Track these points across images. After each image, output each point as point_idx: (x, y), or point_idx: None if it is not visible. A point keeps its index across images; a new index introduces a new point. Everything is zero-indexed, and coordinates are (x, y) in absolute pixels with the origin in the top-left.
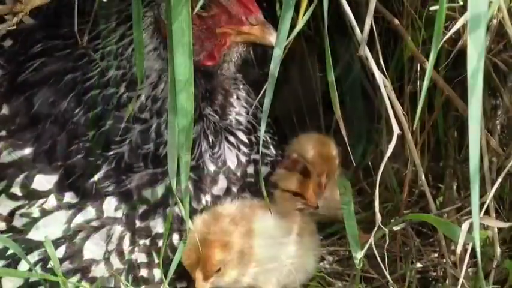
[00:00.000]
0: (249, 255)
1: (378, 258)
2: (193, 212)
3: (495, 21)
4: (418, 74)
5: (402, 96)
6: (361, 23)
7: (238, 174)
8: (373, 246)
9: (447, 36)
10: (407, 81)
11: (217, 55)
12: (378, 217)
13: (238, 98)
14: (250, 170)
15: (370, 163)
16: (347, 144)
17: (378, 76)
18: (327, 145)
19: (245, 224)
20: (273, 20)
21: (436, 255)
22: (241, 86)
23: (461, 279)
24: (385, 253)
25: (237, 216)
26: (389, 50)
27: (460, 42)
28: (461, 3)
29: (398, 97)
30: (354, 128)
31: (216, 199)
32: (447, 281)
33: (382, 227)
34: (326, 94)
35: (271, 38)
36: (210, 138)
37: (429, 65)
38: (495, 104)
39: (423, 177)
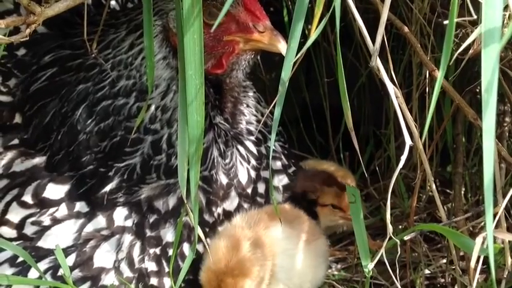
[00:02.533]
0: (268, 277)
1: (388, 266)
2: (204, 224)
3: (506, 30)
4: (427, 79)
5: (410, 100)
6: (369, 28)
7: (249, 191)
8: (384, 255)
9: (459, 51)
10: (416, 86)
11: (225, 63)
12: (390, 228)
13: (248, 105)
14: (261, 189)
15: (377, 168)
16: (356, 150)
17: (390, 88)
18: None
19: (263, 245)
20: (280, 25)
21: (445, 261)
22: (251, 94)
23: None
24: (395, 261)
25: (255, 238)
26: (398, 55)
27: (471, 51)
28: (475, 16)
29: (406, 101)
30: (361, 133)
31: (228, 213)
32: None
33: (393, 237)
34: (333, 98)
35: (280, 45)
36: (222, 147)
37: (437, 82)
38: (503, 110)
39: (434, 186)
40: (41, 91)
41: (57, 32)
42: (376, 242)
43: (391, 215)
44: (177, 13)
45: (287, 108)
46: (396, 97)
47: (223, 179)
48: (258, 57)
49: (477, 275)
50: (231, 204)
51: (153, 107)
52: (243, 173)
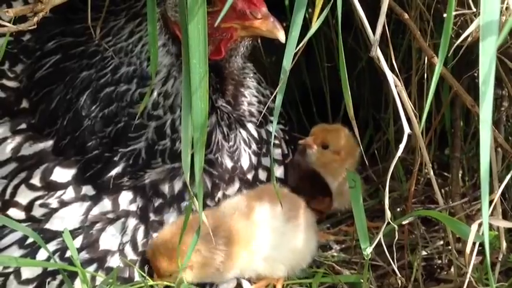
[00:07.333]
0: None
1: (385, 248)
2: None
3: (504, 18)
4: (426, 65)
5: (409, 85)
6: (368, 11)
7: (249, 177)
8: (382, 239)
9: (459, 41)
10: (415, 71)
11: (223, 49)
12: (388, 214)
13: (249, 87)
14: (262, 176)
15: (376, 151)
16: (355, 133)
17: (390, 77)
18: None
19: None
20: (281, 12)
21: (442, 242)
22: (252, 75)
23: (469, 274)
24: (393, 244)
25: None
26: (397, 40)
27: (469, 39)
28: (474, 9)
29: (405, 86)
30: (360, 116)
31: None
32: (452, 269)
33: (391, 222)
34: (333, 82)
35: (277, 32)
36: (225, 130)
37: (435, 73)
38: (501, 95)
39: (431, 172)
40: (46, 78)
41: (60, 16)
42: (374, 224)
43: (389, 198)
44: (181, 2)
45: (287, 91)
46: (395, 86)
47: (228, 163)
48: (258, 41)
49: (473, 258)
50: (232, 189)
51: (155, 93)
52: (245, 157)
